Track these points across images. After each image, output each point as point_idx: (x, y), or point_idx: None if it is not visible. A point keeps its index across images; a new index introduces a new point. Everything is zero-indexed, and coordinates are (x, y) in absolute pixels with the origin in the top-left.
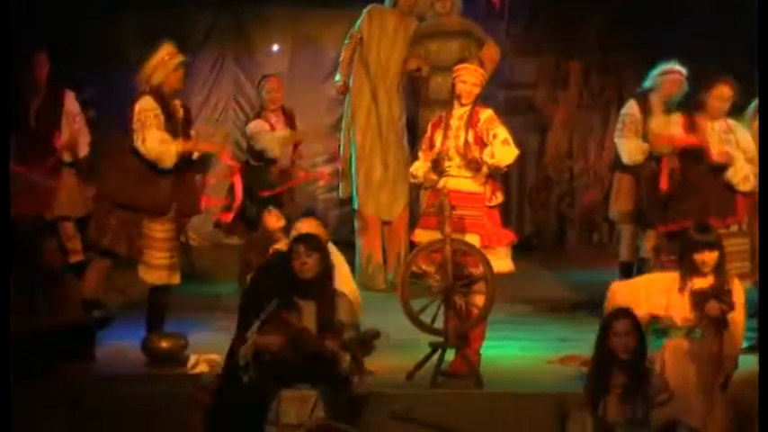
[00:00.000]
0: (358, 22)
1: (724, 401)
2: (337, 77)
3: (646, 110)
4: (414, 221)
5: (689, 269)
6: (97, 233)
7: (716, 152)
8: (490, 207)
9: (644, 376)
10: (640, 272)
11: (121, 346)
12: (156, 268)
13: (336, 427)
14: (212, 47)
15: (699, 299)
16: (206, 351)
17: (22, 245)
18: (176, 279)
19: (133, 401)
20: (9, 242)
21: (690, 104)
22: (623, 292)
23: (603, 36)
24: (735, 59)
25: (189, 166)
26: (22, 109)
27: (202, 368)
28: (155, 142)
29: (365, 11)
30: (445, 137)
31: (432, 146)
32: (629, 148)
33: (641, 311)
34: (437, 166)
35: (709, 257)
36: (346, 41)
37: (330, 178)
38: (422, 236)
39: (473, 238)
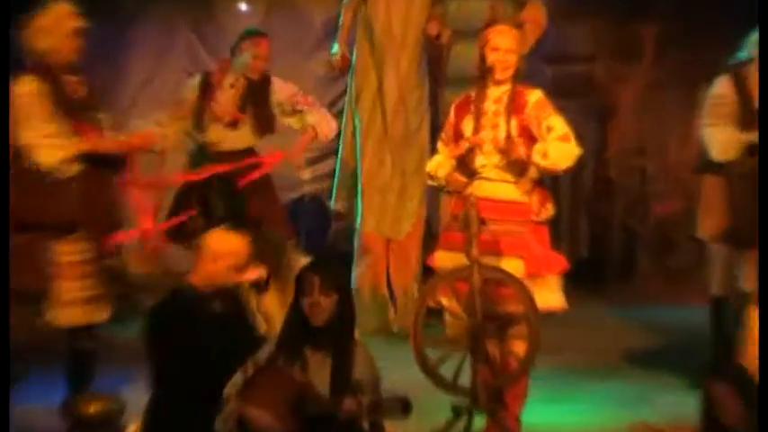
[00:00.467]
0: None
1: None
2: (334, 49)
3: (742, 89)
4: (431, 240)
5: None
6: None
7: None
8: (537, 222)
9: None
10: (737, 310)
11: (34, 411)
12: (68, 305)
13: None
14: (158, 7)
15: None
16: None
17: None
18: (101, 315)
19: None
20: (8, 242)
21: None
22: None
23: None
24: None
25: (102, 166)
26: None
27: None
28: (38, 140)
29: None
30: (478, 125)
31: (458, 136)
32: (721, 140)
33: None
34: (466, 165)
35: None
36: (345, 1)
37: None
38: (443, 259)
39: (514, 264)
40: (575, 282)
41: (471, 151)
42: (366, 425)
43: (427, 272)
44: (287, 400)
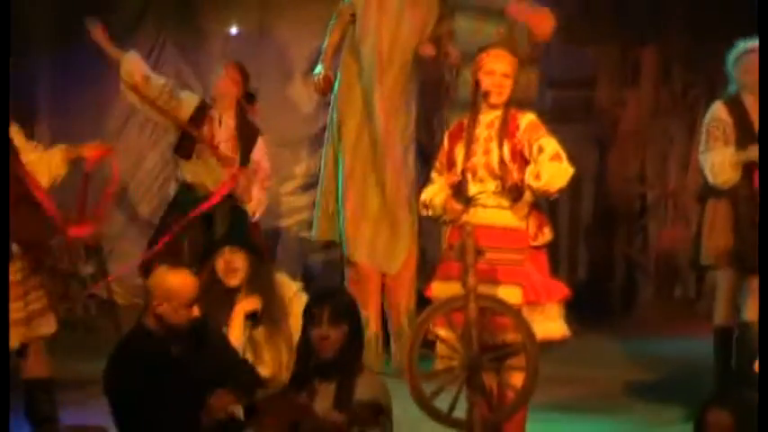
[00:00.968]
0: None
1: None
2: (317, 69)
3: (737, 112)
4: (426, 270)
5: None
6: None
7: None
8: (535, 248)
9: None
10: (742, 340)
11: None
12: (14, 325)
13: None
14: (147, 29)
15: None
16: None
17: None
18: (47, 328)
19: None
20: (8, 242)
21: None
22: None
23: (690, 14)
24: None
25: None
26: None
27: None
28: None
29: None
30: (470, 152)
31: (451, 164)
32: (715, 162)
33: None
34: (461, 192)
35: None
36: (333, 21)
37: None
38: (440, 290)
39: (511, 292)
40: (573, 311)
41: (465, 178)
42: None
43: (424, 303)
44: (285, 423)
